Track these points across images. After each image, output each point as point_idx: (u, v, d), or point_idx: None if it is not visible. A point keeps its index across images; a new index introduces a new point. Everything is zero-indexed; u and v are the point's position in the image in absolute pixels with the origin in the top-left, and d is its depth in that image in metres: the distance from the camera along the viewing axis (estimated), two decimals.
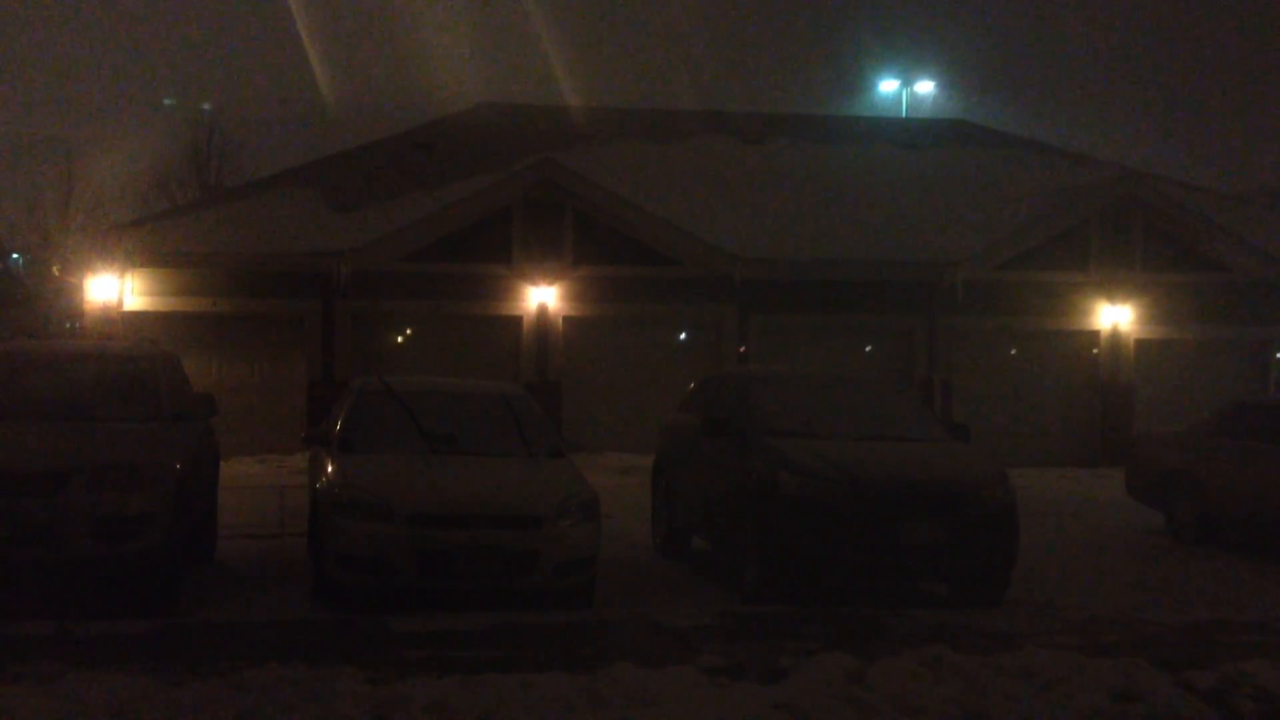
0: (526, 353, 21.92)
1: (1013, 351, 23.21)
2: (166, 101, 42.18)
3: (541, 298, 21.89)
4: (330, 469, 9.79)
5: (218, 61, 68.58)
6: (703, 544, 11.93)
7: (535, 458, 10.33)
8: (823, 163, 26.06)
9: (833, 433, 10.66)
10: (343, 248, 21.20)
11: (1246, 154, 70.54)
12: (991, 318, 22.83)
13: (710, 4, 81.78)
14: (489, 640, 7.96)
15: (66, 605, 8.24)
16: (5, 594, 8.28)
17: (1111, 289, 23.10)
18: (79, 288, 22.37)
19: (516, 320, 22.02)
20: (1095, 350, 23.26)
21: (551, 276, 21.89)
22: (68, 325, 24.01)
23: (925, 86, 38.74)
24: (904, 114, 36.62)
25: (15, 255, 37.23)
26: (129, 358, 10.64)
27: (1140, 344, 23.36)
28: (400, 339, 22.22)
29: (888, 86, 39.01)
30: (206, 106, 42.77)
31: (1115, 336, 23.28)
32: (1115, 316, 23.17)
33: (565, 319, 22.09)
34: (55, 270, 24.00)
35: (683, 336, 22.80)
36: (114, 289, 21.10)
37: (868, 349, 22.88)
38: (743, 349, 21.99)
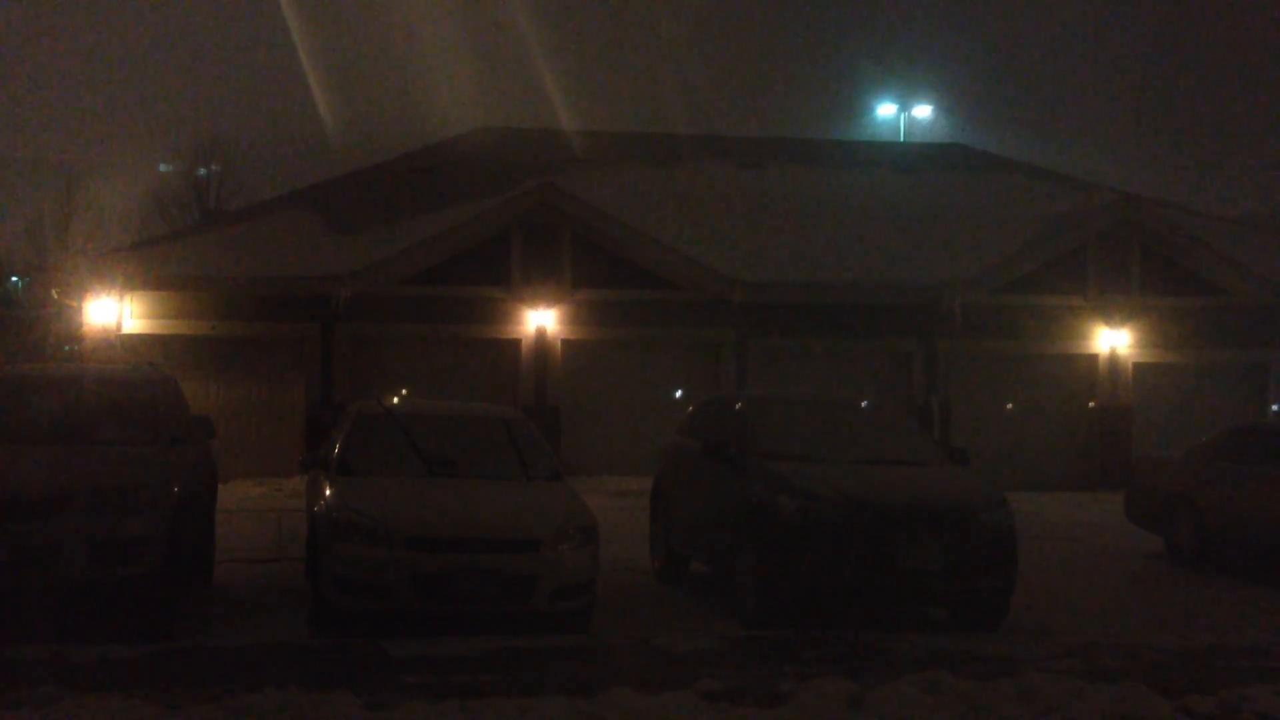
0: (525, 376, 21.92)
1: (1011, 376, 23.21)
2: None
3: (540, 321, 21.91)
4: (328, 492, 9.77)
5: (219, 86, 68.83)
6: (701, 568, 11.90)
7: (533, 481, 10.32)
8: (820, 187, 26.13)
9: (832, 456, 10.66)
10: (342, 271, 21.23)
11: (1245, 178, 70.74)
12: (990, 341, 22.85)
13: (708, 29, 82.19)
14: (487, 665, 7.94)
15: (63, 629, 8.22)
16: (3, 618, 8.26)
17: (1110, 313, 23.14)
18: (78, 311, 22.36)
19: (515, 343, 22.04)
20: (1094, 381, 23.25)
21: (550, 300, 21.92)
22: (66, 348, 23.99)
23: (923, 111, 38.97)
24: (902, 138, 36.79)
25: (15, 278, 37.24)
26: (127, 381, 10.65)
27: (1138, 368, 23.39)
28: (399, 362, 22.22)
29: (885, 111, 39.24)
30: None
31: (1113, 360, 23.29)
32: (1113, 340, 23.19)
33: (564, 342, 22.11)
34: (54, 293, 23.96)
35: (681, 360, 22.79)
36: (113, 312, 21.12)
37: (866, 372, 22.87)
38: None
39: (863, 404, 13.12)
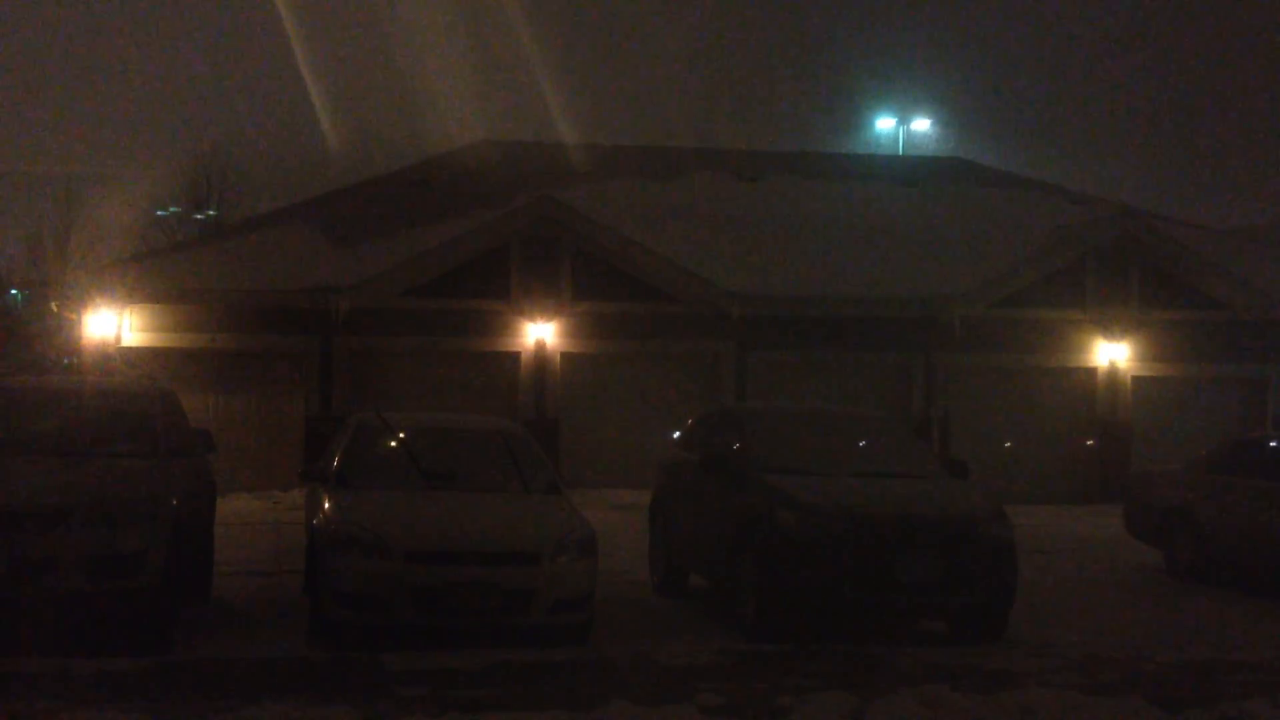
0: (524, 388, 21.91)
1: (1010, 389, 23.20)
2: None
3: (539, 334, 21.91)
4: (327, 505, 9.77)
5: (219, 99, 68.93)
6: (701, 581, 11.89)
7: (532, 494, 10.32)
8: (820, 200, 26.13)
9: (831, 469, 10.66)
10: (341, 284, 21.23)
11: (1244, 191, 70.88)
12: (989, 354, 22.84)
13: (707, 42, 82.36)
14: (486, 678, 7.93)
15: (62, 642, 8.20)
16: (1, 630, 8.25)
17: (1109, 326, 23.14)
18: (77, 323, 22.36)
19: (514, 356, 22.03)
20: (1093, 392, 23.25)
21: (549, 313, 21.92)
22: (66, 361, 23.97)
23: (922, 124, 39.02)
24: (901, 151, 36.82)
25: (14, 291, 37.27)
26: (126, 394, 10.67)
27: (1138, 381, 23.37)
28: (398, 375, 22.20)
29: (884, 124, 39.28)
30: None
31: (1112, 373, 23.29)
32: (1112, 354, 23.19)
33: (563, 355, 22.10)
34: (54, 306, 23.96)
35: (680, 373, 22.78)
36: (112, 325, 21.10)
37: (865, 386, 22.86)
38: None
39: (861, 417, 13.12)
